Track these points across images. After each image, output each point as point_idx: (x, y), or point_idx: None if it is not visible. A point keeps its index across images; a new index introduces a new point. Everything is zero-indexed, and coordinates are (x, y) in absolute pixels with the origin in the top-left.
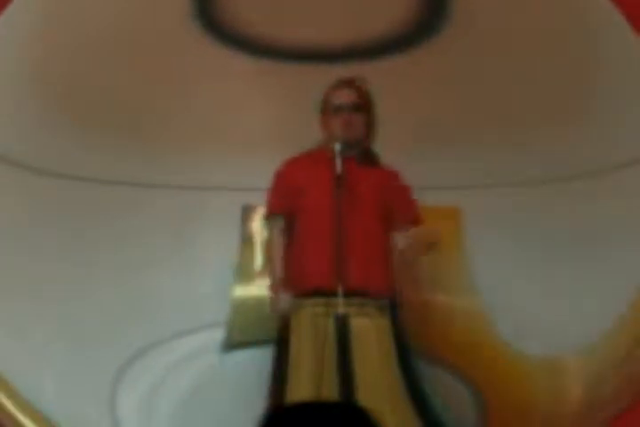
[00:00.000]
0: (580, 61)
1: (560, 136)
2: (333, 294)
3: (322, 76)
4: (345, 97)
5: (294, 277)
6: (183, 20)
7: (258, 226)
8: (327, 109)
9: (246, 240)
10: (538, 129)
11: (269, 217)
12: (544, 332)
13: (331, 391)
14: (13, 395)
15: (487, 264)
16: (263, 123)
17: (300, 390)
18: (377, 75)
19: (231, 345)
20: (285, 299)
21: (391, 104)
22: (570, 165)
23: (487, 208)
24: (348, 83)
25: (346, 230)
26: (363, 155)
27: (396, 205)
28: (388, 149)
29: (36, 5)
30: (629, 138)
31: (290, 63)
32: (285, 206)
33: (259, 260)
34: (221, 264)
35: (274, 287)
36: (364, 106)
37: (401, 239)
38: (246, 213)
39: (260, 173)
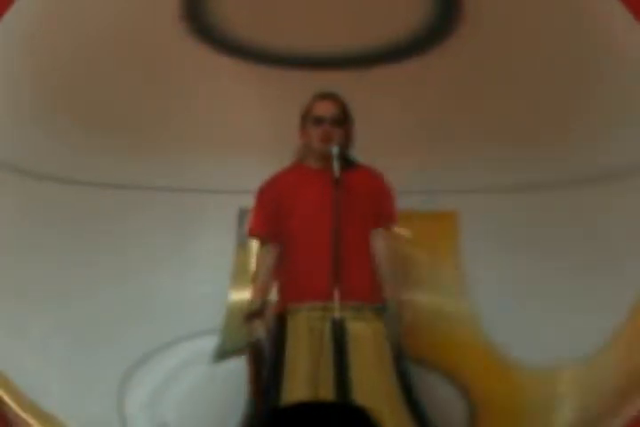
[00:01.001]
0: (588, 63)
1: (562, 140)
2: (330, 298)
3: (320, 81)
4: (326, 109)
5: (291, 282)
6: (181, 26)
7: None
8: (307, 120)
9: (242, 243)
10: (541, 132)
11: (255, 238)
12: (540, 338)
13: (327, 394)
14: (18, 395)
15: (484, 269)
16: (261, 126)
17: (297, 393)
18: (375, 81)
19: (226, 352)
20: (260, 328)
21: (389, 108)
22: (570, 169)
23: (486, 212)
24: (330, 96)
25: (343, 234)
26: (344, 163)
27: (380, 205)
28: (391, 153)
29: (36, 8)
30: (633, 141)
31: (289, 68)
32: (272, 227)
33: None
34: (219, 267)
35: (250, 315)
36: (343, 120)
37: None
38: (243, 216)
39: (258, 177)
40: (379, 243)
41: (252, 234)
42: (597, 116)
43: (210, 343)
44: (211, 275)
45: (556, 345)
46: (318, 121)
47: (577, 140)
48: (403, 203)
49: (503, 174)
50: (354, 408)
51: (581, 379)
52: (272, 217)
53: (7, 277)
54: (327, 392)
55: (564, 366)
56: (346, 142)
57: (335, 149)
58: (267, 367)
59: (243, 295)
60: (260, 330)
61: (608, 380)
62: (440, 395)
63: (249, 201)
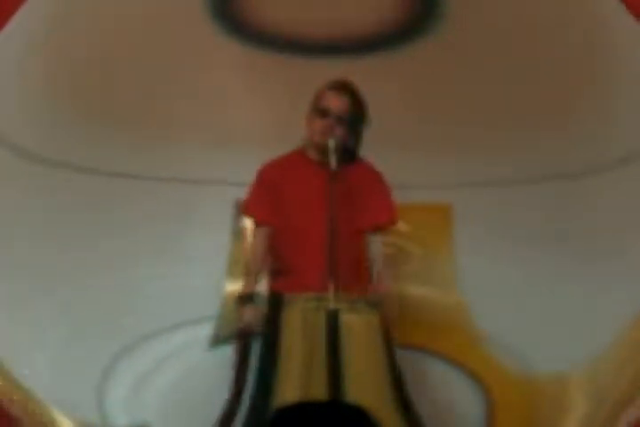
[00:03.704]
0: (576, 56)
1: (554, 135)
2: (325, 289)
3: (316, 72)
4: (335, 103)
5: (286, 272)
6: (182, 14)
7: (249, 220)
8: (315, 109)
9: (237, 234)
10: (540, 126)
11: (252, 218)
12: (539, 333)
13: (320, 386)
14: (10, 379)
15: (479, 262)
16: (258, 118)
17: (290, 384)
18: (369, 71)
19: (221, 339)
20: (250, 313)
21: (381, 102)
22: (567, 162)
23: (482, 205)
24: (344, 87)
25: (338, 227)
26: (344, 157)
27: (372, 203)
28: (380, 147)
29: (52, 5)
30: (624, 136)
31: (287, 57)
32: (269, 209)
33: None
34: (215, 257)
35: (242, 298)
36: (352, 117)
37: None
38: (238, 207)
39: (253, 168)
40: (372, 245)
41: (250, 214)
42: (595, 110)
43: (203, 332)
44: (206, 265)
45: (555, 342)
46: (324, 113)
47: (575, 134)
48: (396, 196)
49: (499, 168)
50: (353, 408)
51: (585, 380)
52: (270, 199)
53: (4, 264)
54: (319, 385)
55: (565, 365)
56: (349, 138)
57: (332, 142)
58: (259, 358)
59: (238, 285)
60: (251, 314)
61: (612, 380)
62: (448, 385)
63: (243, 193)
